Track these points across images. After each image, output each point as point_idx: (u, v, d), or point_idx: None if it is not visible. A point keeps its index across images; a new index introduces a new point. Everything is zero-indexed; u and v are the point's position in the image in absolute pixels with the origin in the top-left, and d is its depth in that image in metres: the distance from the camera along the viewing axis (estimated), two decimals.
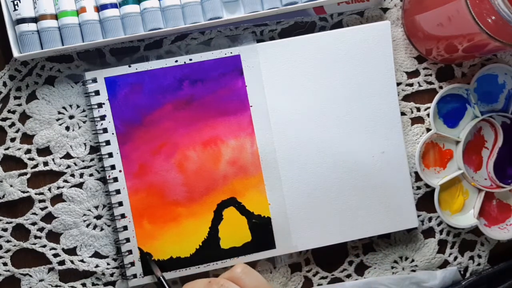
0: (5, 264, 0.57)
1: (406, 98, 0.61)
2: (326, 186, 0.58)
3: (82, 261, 0.58)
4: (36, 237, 0.57)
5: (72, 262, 0.58)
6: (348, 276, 0.61)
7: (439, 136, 0.60)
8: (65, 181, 0.57)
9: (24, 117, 0.57)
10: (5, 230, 0.57)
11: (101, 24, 0.55)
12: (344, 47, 0.58)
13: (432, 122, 0.59)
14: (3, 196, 0.57)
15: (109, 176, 0.56)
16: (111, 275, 0.58)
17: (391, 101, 0.59)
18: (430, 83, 0.61)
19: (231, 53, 0.57)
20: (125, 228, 0.56)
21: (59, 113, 0.57)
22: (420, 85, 0.61)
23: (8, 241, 0.57)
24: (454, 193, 0.61)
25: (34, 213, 0.57)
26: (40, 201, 0.57)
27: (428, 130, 0.61)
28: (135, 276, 0.56)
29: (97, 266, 0.58)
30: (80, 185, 0.57)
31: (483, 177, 0.61)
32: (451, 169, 0.61)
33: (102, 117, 0.56)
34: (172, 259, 0.57)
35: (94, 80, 0.56)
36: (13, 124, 0.57)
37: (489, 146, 0.61)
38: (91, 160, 0.57)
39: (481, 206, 0.60)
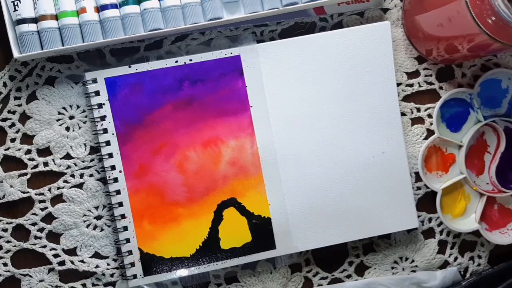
0: (5, 264, 0.57)
1: (406, 98, 0.61)
2: (326, 187, 0.58)
3: (82, 261, 0.58)
4: (36, 237, 0.57)
5: (72, 262, 0.58)
6: (348, 276, 0.61)
7: (442, 140, 0.60)
8: (65, 181, 0.57)
9: (24, 118, 0.57)
10: (5, 230, 0.57)
11: (101, 24, 0.55)
12: (344, 48, 0.58)
13: (435, 126, 0.59)
14: (3, 197, 0.57)
15: (109, 177, 0.56)
16: (111, 275, 0.58)
17: (391, 102, 0.59)
18: (430, 83, 0.61)
19: (231, 53, 0.57)
20: (125, 228, 0.56)
21: (59, 113, 0.57)
22: (420, 86, 0.61)
23: (8, 242, 0.57)
24: (456, 197, 0.61)
25: (34, 214, 0.57)
26: (40, 201, 0.57)
27: (428, 130, 0.61)
28: (135, 276, 0.56)
29: (97, 266, 0.58)
30: (80, 186, 0.57)
31: (485, 182, 0.61)
32: (453, 173, 0.61)
33: (102, 118, 0.56)
34: (172, 259, 0.57)
35: (94, 81, 0.56)
36: (13, 125, 0.57)
37: (492, 150, 0.61)
38: (91, 160, 0.57)
39: (482, 211, 0.60)
